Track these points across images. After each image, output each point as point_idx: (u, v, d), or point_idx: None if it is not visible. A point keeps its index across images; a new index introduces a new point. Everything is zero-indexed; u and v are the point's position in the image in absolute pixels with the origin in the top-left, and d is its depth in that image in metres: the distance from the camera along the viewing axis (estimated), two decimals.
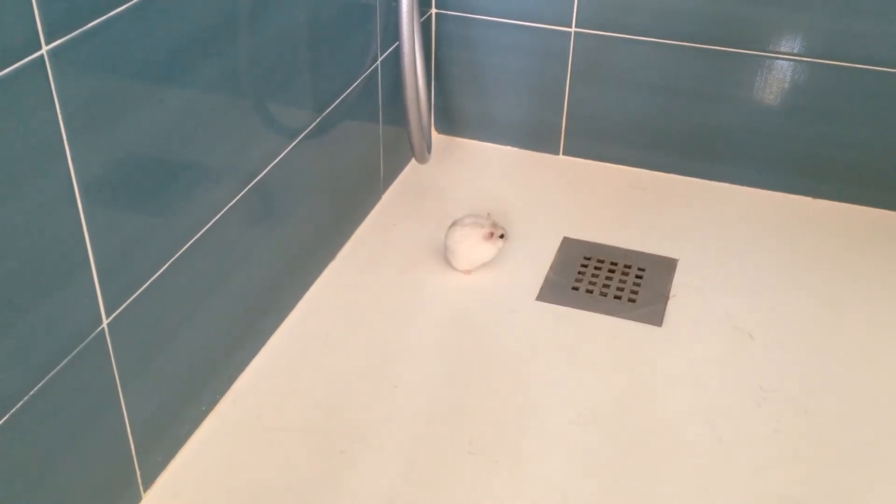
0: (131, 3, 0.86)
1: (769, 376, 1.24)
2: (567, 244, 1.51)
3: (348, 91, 1.38)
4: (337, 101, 1.35)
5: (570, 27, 1.60)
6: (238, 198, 1.12)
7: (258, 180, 1.16)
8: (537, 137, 1.74)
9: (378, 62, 1.46)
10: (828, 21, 1.46)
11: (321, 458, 1.11)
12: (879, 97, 1.50)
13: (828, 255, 1.48)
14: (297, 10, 1.18)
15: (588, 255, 1.48)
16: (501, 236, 1.38)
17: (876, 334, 1.32)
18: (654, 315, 1.35)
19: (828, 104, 1.53)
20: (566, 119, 1.69)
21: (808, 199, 1.62)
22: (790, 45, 1.50)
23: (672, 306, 1.37)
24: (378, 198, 1.60)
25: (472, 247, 1.37)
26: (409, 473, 1.09)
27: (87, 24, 0.81)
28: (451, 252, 1.39)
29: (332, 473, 1.09)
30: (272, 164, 1.19)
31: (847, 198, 1.60)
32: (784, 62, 1.52)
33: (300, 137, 1.26)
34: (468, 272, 1.41)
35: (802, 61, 1.51)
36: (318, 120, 1.31)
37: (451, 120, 1.78)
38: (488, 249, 1.38)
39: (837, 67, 1.50)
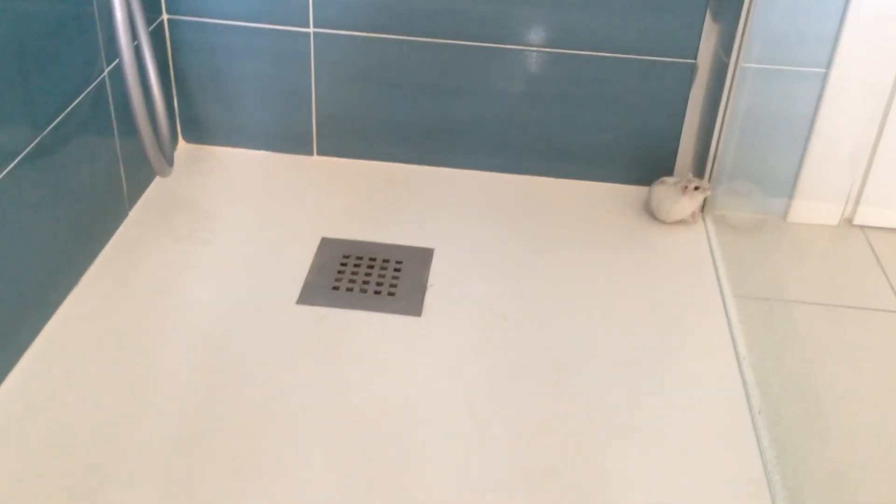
0: None
1: (522, 354, 1.30)
2: (326, 244, 1.51)
3: (72, 106, 1.29)
4: (59, 119, 1.26)
5: (308, 28, 1.59)
6: None
7: None
8: (289, 140, 1.72)
9: (105, 74, 1.39)
10: (554, 14, 1.55)
11: (68, 500, 1.04)
12: (604, 80, 1.61)
13: (571, 231, 1.57)
14: None
15: (347, 254, 1.49)
16: (696, 188, 1.54)
17: (614, 303, 1.41)
18: (413, 306, 1.38)
19: (559, 90, 1.62)
20: (316, 119, 1.69)
21: (551, 180, 1.71)
22: (520, 37, 1.58)
23: (430, 296, 1.40)
24: (124, 215, 1.52)
25: (673, 203, 1.56)
26: (165, 501, 1.05)
27: None
28: (655, 207, 1.59)
29: None
30: None
31: (586, 175, 1.71)
32: (516, 52, 1.59)
33: (18, 159, 1.17)
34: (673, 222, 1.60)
35: (532, 51, 1.59)
36: (38, 139, 1.21)
37: (198, 128, 1.72)
38: (687, 203, 1.55)
39: (564, 55, 1.59)
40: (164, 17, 1.60)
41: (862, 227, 1.64)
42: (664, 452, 1.15)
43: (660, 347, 1.32)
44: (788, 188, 1.66)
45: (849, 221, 1.66)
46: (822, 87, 1.52)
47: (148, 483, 1.07)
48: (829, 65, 1.50)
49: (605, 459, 1.14)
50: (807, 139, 1.58)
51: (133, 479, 1.07)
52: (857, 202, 1.64)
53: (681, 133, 1.66)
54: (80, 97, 1.32)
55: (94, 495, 1.05)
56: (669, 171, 1.69)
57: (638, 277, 1.47)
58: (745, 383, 1.26)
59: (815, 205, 1.67)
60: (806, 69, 1.54)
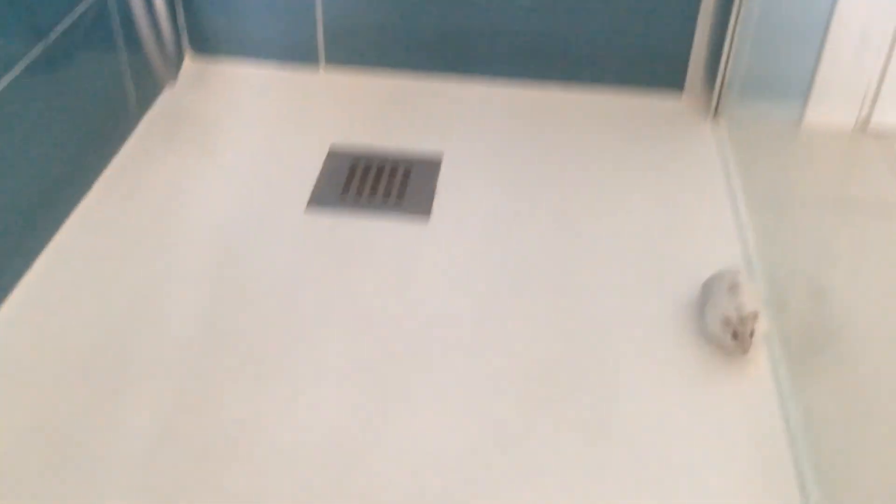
0: None
1: (530, 258, 1.30)
2: (334, 153, 1.50)
3: (75, 15, 1.28)
4: (62, 27, 1.25)
5: None
6: None
7: None
8: (296, 52, 1.70)
9: None
10: None
11: (89, 401, 1.07)
12: None
13: (581, 138, 1.56)
14: None
15: (355, 162, 1.49)
16: (734, 336, 1.09)
17: (623, 209, 1.41)
18: (422, 212, 1.38)
19: None
20: (323, 30, 1.66)
21: (562, 88, 1.69)
22: None
23: (438, 202, 1.40)
24: (132, 127, 1.52)
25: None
26: (183, 401, 1.07)
27: None
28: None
29: (102, 413, 1.05)
30: None
31: (596, 81, 1.68)
32: None
33: (22, 68, 1.16)
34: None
35: None
36: (42, 48, 1.21)
37: (205, 41, 1.71)
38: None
39: None
40: None
41: (878, 133, 1.62)
42: (671, 351, 1.16)
43: (668, 253, 1.32)
44: (803, 92, 1.63)
45: (864, 126, 1.63)
46: None
47: (163, 382, 1.09)
48: None
49: (612, 359, 1.15)
50: (823, 41, 1.54)
51: (148, 378, 1.10)
52: (872, 106, 1.61)
53: (693, 36, 1.62)
54: (82, 5, 1.30)
55: (118, 389, 1.08)
56: (680, 78, 1.66)
57: (648, 184, 1.46)
58: (751, 269, 1.26)
59: (831, 109, 1.64)
60: None
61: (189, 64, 1.72)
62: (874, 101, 1.62)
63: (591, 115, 1.63)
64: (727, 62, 1.57)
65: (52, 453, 1.00)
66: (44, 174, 1.25)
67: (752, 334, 1.09)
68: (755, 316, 1.09)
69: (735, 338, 1.10)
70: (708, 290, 1.16)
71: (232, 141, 1.52)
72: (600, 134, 1.58)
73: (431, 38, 1.66)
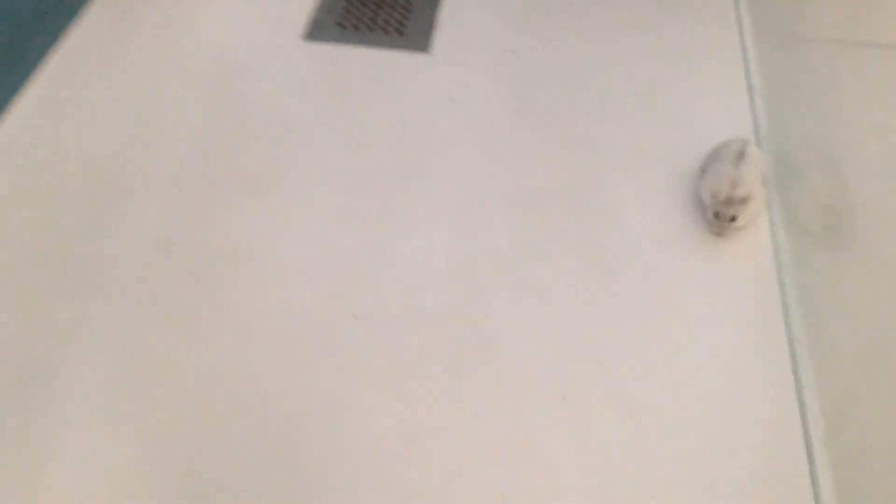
0: None
1: (530, 87, 1.28)
2: None
3: None
4: None
5: None
6: None
7: None
8: None
9: None
10: None
11: (89, 212, 1.08)
12: None
13: None
14: None
15: None
16: (733, 218, 1.01)
17: (626, 40, 1.38)
18: (422, 43, 1.35)
19: None
20: None
21: None
22: None
23: (439, 34, 1.37)
24: None
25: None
26: (180, 214, 1.08)
27: None
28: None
29: (102, 224, 1.07)
30: None
31: None
32: None
33: None
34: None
35: None
36: None
37: None
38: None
39: None
40: None
41: None
42: (666, 178, 1.16)
43: (670, 82, 1.30)
44: None
45: None
46: None
47: (162, 197, 1.10)
48: None
49: (612, 197, 1.15)
50: None
51: (147, 193, 1.10)
52: None
53: None
54: None
55: (110, 208, 1.09)
56: None
57: (655, 18, 1.42)
58: (755, 114, 1.24)
59: None
60: None
61: None
62: None
63: None
64: None
65: (55, 259, 1.02)
66: None
67: (733, 219, 1.02)
68: (743, 201, 1.02)
69: (716, 217, 1.04)
70: (714, 155, 1.10)
71: None
72: None
73: None
